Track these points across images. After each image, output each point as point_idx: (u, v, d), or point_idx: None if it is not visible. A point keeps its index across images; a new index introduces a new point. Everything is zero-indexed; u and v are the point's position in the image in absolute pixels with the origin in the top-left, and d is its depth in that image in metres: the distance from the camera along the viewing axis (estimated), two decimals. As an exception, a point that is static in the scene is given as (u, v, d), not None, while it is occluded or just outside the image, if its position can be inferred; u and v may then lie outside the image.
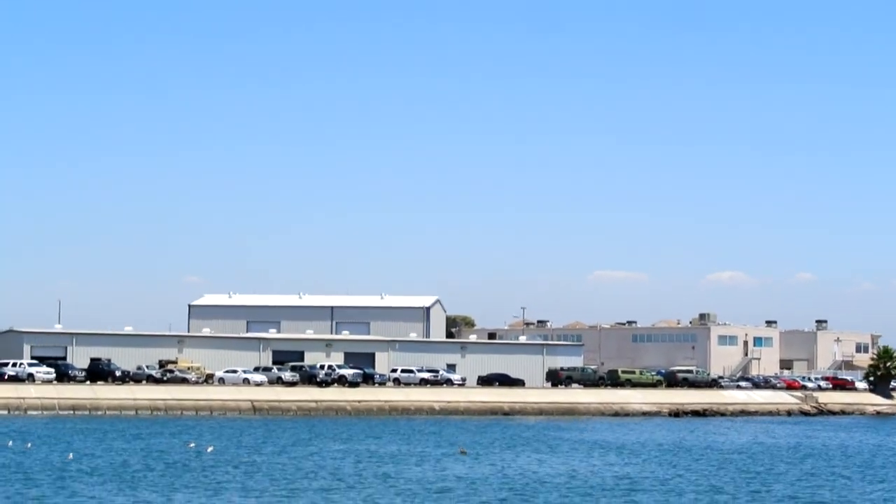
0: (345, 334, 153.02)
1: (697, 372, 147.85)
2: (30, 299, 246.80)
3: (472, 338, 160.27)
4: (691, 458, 74.87)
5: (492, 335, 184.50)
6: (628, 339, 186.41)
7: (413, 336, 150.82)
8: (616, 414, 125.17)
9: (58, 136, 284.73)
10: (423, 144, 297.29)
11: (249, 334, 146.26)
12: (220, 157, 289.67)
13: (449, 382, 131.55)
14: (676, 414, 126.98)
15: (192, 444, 73.40)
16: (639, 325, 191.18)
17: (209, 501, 50.21)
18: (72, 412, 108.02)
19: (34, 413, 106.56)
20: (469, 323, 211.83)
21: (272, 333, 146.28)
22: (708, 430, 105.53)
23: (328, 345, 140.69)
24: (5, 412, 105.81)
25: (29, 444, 70.98)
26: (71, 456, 64.44)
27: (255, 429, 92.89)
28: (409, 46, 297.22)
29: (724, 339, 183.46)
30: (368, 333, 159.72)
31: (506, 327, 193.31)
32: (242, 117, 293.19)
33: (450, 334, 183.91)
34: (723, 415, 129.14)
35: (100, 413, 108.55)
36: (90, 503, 49.30)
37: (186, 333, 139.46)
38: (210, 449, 70.60)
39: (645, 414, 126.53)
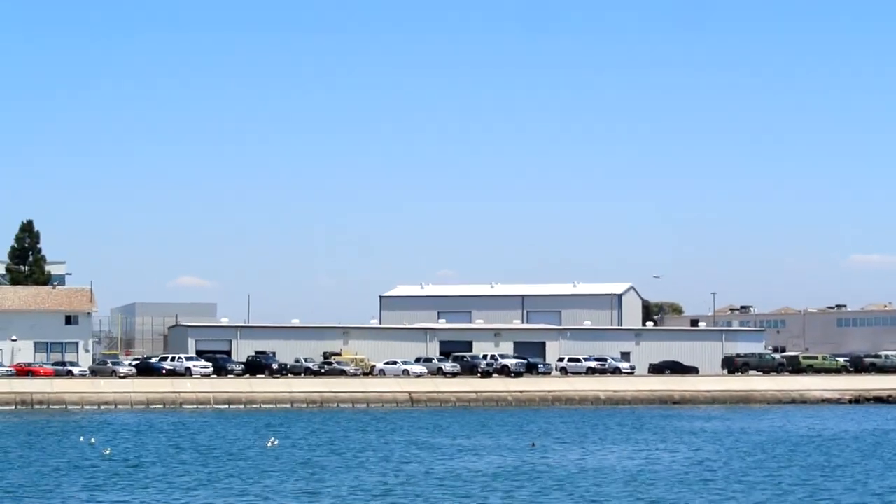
0: (515, 323, 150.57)
1: (887, 357, 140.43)
2: (227, 293, 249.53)
3: (649, 324, 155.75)
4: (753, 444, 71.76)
5: (694, 322, 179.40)
6: (833, 324, 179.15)
7: (587, 324, 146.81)
8: (794, 401, 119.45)
9: (248, 131, 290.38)
10: (623, 128, 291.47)
11: (415, 325, 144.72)
12: (417, 150, 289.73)
13: (617, 371, 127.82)
14: (857, 401, 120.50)
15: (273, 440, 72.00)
16: (848, 310, 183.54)
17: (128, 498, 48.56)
18: (227, 406, 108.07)
19: (189, 407, 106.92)
20: (676, 310, 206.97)
21: (440, 324, 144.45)
22: (853, 417, 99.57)
23: (496, 334, 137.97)
24: (160, 406, 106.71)
25: (92, 440, 70.73)
26: (108, 451, 63.54)
27: (373, 421, 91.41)
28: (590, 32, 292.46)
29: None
30: (560, 322, 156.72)
31: (710, 314, 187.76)
32: (443, 110, 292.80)
33: (650, 321, 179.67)
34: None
35: (255, 406, 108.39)
36: None
37: (351, 325, 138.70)
38: (272, 443, 69.16)
39: (825, 401, 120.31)
